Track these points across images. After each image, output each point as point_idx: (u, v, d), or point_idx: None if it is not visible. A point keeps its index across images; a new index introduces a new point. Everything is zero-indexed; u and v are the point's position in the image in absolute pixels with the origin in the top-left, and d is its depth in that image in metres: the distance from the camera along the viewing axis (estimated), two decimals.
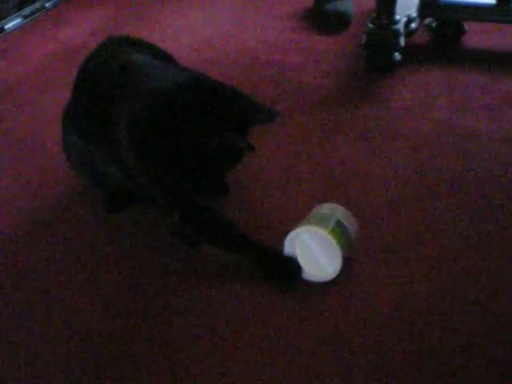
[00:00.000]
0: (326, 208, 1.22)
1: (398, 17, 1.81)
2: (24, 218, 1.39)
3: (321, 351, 1.06)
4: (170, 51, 1.39)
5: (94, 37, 2.19)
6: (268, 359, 1.05)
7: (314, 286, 1.17)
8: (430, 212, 1.34)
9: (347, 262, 1.20)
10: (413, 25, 1.91)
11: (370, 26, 1.81)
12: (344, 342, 1.07)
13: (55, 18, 2.42)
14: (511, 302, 1.13)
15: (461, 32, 2.04)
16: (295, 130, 1.63)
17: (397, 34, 1.80)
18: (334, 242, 1.14)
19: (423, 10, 1.95)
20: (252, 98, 1.20)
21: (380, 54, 1.84)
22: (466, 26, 2.03)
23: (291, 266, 1.19)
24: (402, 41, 1.82)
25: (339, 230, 1.16)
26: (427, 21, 2.08)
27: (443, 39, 2.05)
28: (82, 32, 2.27)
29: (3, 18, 2.31)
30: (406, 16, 1.87)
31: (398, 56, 1.84)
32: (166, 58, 1.35)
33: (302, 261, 1.19)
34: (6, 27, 2.32)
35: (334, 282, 1.17)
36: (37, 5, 2.45)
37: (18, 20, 2.37)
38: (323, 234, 1.15)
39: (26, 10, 2.40)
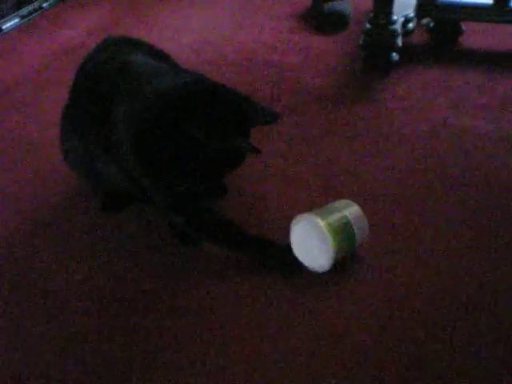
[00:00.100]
0: (339, 203, 1.23)
1: (395, 17, 1.81)
2: (22, 218, 1.39)
3: (321, 351, 1.06)
4: (169, 51, 1.39)
5: (91, 37, 2.19)
6: (267, 359, 1.05)
7: (314, 286, 1.18)
8: (428, 211, 1.35)
9: (347, 261, 1.21)
10: (410, 25, 1.91)
11: (368, 26, 1.81)
12: (344, 342, 1.07)
13: (53, 18, 2.42)
14: (510, 301, 1.14)
15: (458, 32, 2.04)
16: (293, 129, 1.63)
17: (394, 34, 1.80)
18: (327, 234, 1.15)
19: (420, 10, 1.96)
20: (252, 99, 1.20)
21: (378, 53, 1.84)
22: (464, 26, 2.03)
23: (292, 256, 1.20)
24: (400, 41, 1.82)
25: (341, 226, 1.17)
26: (425, 21, 2.08)
27: (440, 39, 2.05)
28: (80, 32, 2.27)
29: (1, 19, 2.31)
30: (403, 16, 1.87)
31: (395, 56, 1.85)
32: (164, 58, 1.35)
33: (297, 247, 1.20)
34: (4, 27, 2.31)
35: (333, 282, 1.18)
36: (34, 5, 2.45)
37: (16, 20, 2.37)
38: (319, 224, 1.16)
39: (24, 10, 2.40)
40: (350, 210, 1.20)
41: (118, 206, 1.39)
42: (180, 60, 1.40)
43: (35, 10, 2.45)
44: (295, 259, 1.20)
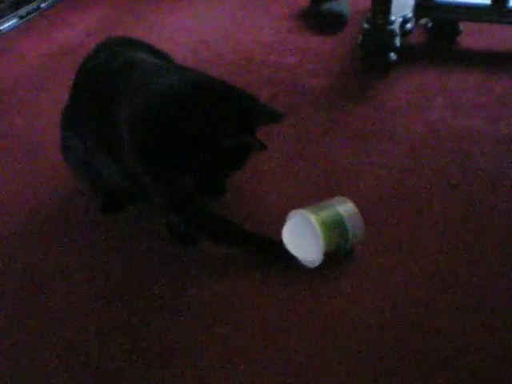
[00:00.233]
0: (334, 200, 1.25)
1: (393, 17, 1.81)
2: (21, 217, 1.39)
3: (320, 351, 1.06)
4: (167, 51, 1.39)
5: (90, 37, 2.19)
6: (267, 359, 1.05)
7: (313, 286, 1.18)
8: (426, 211, 1.35)
9: (344, 260, 1.21)
10: (408, 25, 1.92)
11: (366, 26, 1.82)
12: (343, 342, 1.08)
13: (51, 18, 2.41)
14: (509, 300, 1.14)
15: (456, 32, 2.05)
16: (291, 129, 1.63)
17: (392, 34, 1.81)
18: (318, 229, 1.16)
19: (418, 11, 1.96)
20: (257, 97, 1.19)
21: (375, 54, 1.85)
22: (461, 26, 2.04)
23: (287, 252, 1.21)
24: (398, 41, 1.82)
25: (333, 222, 1.18)
26: (423, 21, 2.08)
27: (438, 39, 2.05)
28: (78, 32, 2.27)
29: None
30: (401, 16, 1.88)
31: (393, 56, 1.85)
32: (164, 58, 1.35)
33: (289, 241, 1.21)
34: (2, 28, 2.31)
35: (332, 281, 1.18)
36: (33, 5, 2.45)
37: (14, 20, 2.37)
38: (310, 219, 1.17)
39: (22, 11, 2.40)
40: (344, 207, 1.21)
41: (118, 206, 1.40)
42: (177, 59, 1.40)
43: (34, 11, 2.45)
44: (290, 255, 1.21)
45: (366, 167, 1.49)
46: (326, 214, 1.19)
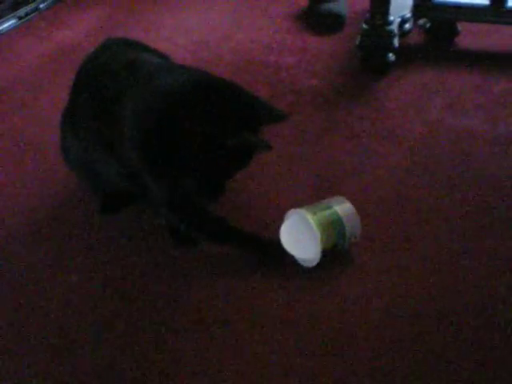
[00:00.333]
0: (331, 200, 1.25)
1: (391, 17, 1.81)
2: (20, 218, 1.39)
3: (319, 351, 1.06)
4: (165, 52, 1.39)
5: (89, 37, 2.19)
6: (266, 359, 1.05)
7: (311, 287, 1.18)
8: (425, 211, 1.35)
9: (342, 260, 1.21)
10: (407, 25, 1.92)
11: (364, 26, 1.82)
12: (341, 342, 1.08)
13: (50, 18, 2.41)
14: (510, 300, 1.14)
15: (454, 33, 2.05)
16: (289, 129, 1.63)
17: (391, 34, 1.81)
18: (315, 229, 1.17)
19: (417, 11, 1.96)
20: (260, 97, 1.19)
21: (374, 54, 1.85)
22: (460, 26, 2.04)
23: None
24: (396, 41, 1.83)
25: (330, 221, 1.19)
26: (421, 21, 2.08)
27: (437, 40, 2.06)
28: (77, 33, 2.27)
29: None
30: (399, 17, 1.88)
31: (392, 57, 1.85)
32: (163, 59, 1.34)
33: (287, 241, 1.21)
34: (1, 28, 2.30)
35: (331, 282, 1.18)
36: (31, 6, 2.45)
37: (13, 21, 2.36)
38: (308, 219, 1.18)
39: (21, 11, 2.40)
40: (342, 207, 1.21)
41: (117, 206, 1.40)
42: (177, 60, 1.40)
43: (32, 11, 2.45)
44: (288, 254, 1.21)
45: (364, 167, 1.49)
46: (323, 213, 1.20)
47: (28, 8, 2.43)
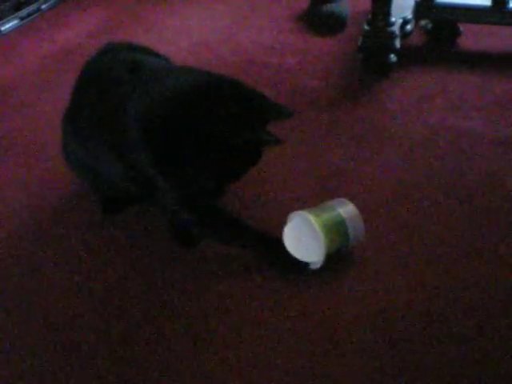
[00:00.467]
0: (334, 201, 1.24)
1: (393, 18, 1.81)
2: (21, 218, 1.40)
3: (320, 352, 1.06)
4: (167, 53, 1.39)
5: (90, 38, 2.20)
6: (266, 360, 1.05)
7: (312, 287, 1.18)
8: (427, 213, 1.35)
9: (343, 262, 1.21)
10: (408, 26, 1.92)
11: (366, 27, 1.82)
12: (342, 343, 1.08)
13: (52, 19, 2.42)
14: (508, 302, 1.14)
15: (456, 34, 2.05)
16: (290, 131, 1.63)
17: (392, 35, 1.81)
18: (319, 231, 1.16)
19: (418, 12, 1.96)
20: (266, 95, 1.19)
21: (376, 55, 1.85)
22: (461, 27, 2.04)
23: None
24: (398, 42, 1.83)
25: (334, 224, 1.18)
26: (423, 22, 2.09)
27: (438, 41, 2.06)
28: (79, 34, 2.27)
29: (0, 20, 2.31)
30: (401, 18, 1.88)
31: (393, 58, 1.85)
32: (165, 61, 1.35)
33: (290, 243, 1.21)
34: (3, 29, 2.32)
35: (332, 283, 1.18)
36: (33, 7, 2.45)
37: (15, 22, 2.37)
38: (311, 221, 1.17)
39: (23, 12, 2.40)
40: (345, 209, 1.21)
41: (118, 207, 1.40)
42: (178, 61, 1.40)
43: (34, 12, 2.46)
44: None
45: (366, 168, 1.49)
46: (327, 215, 1.20)
47: (30, 9, 2.44)
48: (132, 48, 1.34)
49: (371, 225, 1.28)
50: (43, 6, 2.49)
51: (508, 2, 1.88)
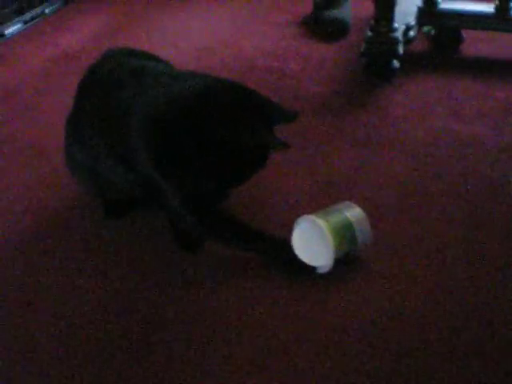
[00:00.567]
0: (341, 205, 1.24)
1: (396, 25, 1.82)
2: (23, 222, 1.39)
3: (323, 355, 1.06)
4: (169, 58, 1.40)
5: (93, 42, 2.20)
6: (268, 362, 1.05)
7: (316, 289, 1.18)
8: (429, 218, 1.35)
9: (348, 265, 1.21)
10: (411, 33, 1.92)
11: (369, 33, 1.82)
12: (346, 345, 1.07)
13: (55, 23, 2.43)
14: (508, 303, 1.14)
15: (459, 40, 2.05)
16: (293, 136, 1.63)
17: (395, 41, 1.81)
18: (328, 234, 1.16)
19: (421, 18, 1.97)
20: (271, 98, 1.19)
21: (379, 61, 1.85)
22: (464, 34, 2.04)
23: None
24: (401, 49, 1.83)
25: (342, 227, 1.18)
26: (425, 29, 2.09)
27: (441, 47, 2.06)
28: (82, 37, 2.28)
29: (3, 24, 2.32)
30: (404, 24, 1.88)
31: (396, 64, 1.85)
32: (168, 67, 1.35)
33: (298, 248, 1.20)
34: (6, 32, 2.32)
35: (335, 285, 1.18)
36: (37, 10, 2.46)
37: (18, 25, 2.38)
38: (320, 225, 1.17)
39: (26, 16, 2.41)
40: (352, 212, 1.21)
41: (120, 212, 1.39)
42: (180, 66, 1.41)
43: (38, 16, 2.46)
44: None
45: (368, 174, 1.49)
46: (335, 219, 1.19)
47: (33, 12, 2.45)
48: (133, 53, 1.35)
49: (375, 230, 1.28)
50: (47, 10, 2.50)
51: (511, 9, 1.88)
